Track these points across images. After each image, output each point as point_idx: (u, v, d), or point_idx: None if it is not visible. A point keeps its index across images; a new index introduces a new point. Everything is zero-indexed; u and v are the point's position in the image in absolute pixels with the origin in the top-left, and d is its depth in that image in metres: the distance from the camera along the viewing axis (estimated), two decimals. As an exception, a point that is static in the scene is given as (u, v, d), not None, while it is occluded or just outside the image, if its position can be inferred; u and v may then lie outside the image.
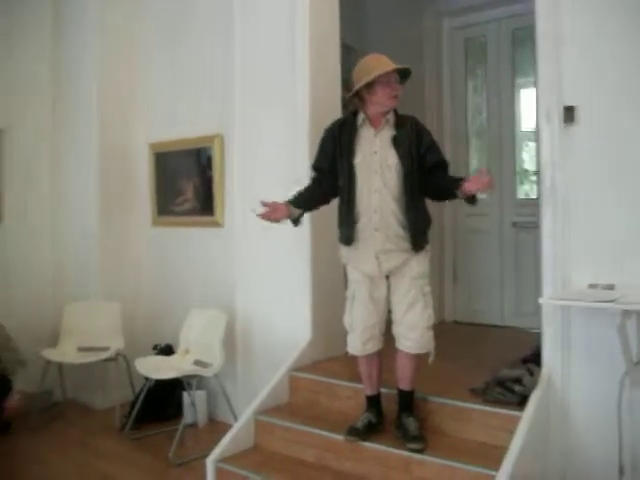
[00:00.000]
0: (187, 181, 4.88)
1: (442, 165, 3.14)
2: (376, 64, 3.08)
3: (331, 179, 3.25)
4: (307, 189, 3.36)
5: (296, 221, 3.29)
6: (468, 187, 2.89)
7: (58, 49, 5.26)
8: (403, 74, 3.16)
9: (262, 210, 3.16)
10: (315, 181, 3.37)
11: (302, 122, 4.02)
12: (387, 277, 3.18)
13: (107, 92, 5.04)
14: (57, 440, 4.32)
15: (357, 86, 3.11)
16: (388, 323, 3.24)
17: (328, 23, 4.17)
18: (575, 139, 3.07)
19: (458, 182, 2.97)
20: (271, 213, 3.18)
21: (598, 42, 3.02)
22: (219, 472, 3.38)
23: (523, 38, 5.14)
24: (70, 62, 5.18)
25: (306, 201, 3.31)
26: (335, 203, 3.33)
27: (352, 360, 3.48)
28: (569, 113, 3.06)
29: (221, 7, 4.53)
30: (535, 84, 3.26)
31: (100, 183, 5.00)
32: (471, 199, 2.98)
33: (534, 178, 5.25)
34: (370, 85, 3.08)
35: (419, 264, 3.14)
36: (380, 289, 3.19)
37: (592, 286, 2.93)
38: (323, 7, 4.13)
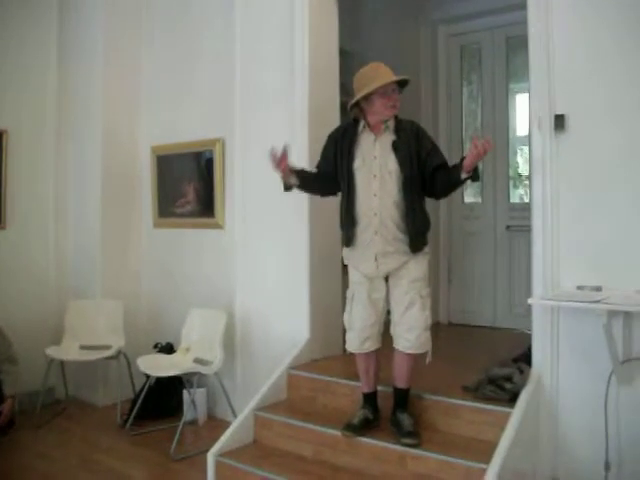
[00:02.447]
0: (188, 183, 4.94)
1: (444, 167, 3.16)
2: (373, 75, 3.12)
3: (331, 182, 3.33)
4: (313, 173, 3.42)
5: (288, 187, 3.35)
6: (467, 161, 2.93)
7: (64, 51, 5.28)
8: (401, 82, 3.19)
9: (275, 151, 3.17)
10: (318, 173, 3.42)
11: (301, 126, 4.10)
12: (386, 278, 3.24)
13: (111, 96, 5.10)
14: (60, 436, 4.37)
15: (355, 98, 3.17)
16: (386, 323, 3.31)
17: (327, 30, 4.26)
18: (565, 146, 3.16)
19: (459, 166, 3.01)
20: (277, 160, 3.17)
21: (588, 52, 3.11)
22: (219, 466, 3.46)
23: (517, 46, 5.25)
24: (76, 65, 5.21)
25: (306, 180, 3.36)
26: (334, 205, 3.43)
27: (349, 359, 3.58)
28: (559, 121, 3.14)
29: (223, 15, 4.60)
30: (528, 90, 3.35)
31: (103, 184, 5.05)
32: (474, 175, 3.02)
33: (527, 182, 5.36)
34: (368, 96, 3.13)
35: (417, 266, 3.20)
36: (379, 290, 3.24)
37: (580, 288, 3.02)
38: (322, 15, 4.22)
